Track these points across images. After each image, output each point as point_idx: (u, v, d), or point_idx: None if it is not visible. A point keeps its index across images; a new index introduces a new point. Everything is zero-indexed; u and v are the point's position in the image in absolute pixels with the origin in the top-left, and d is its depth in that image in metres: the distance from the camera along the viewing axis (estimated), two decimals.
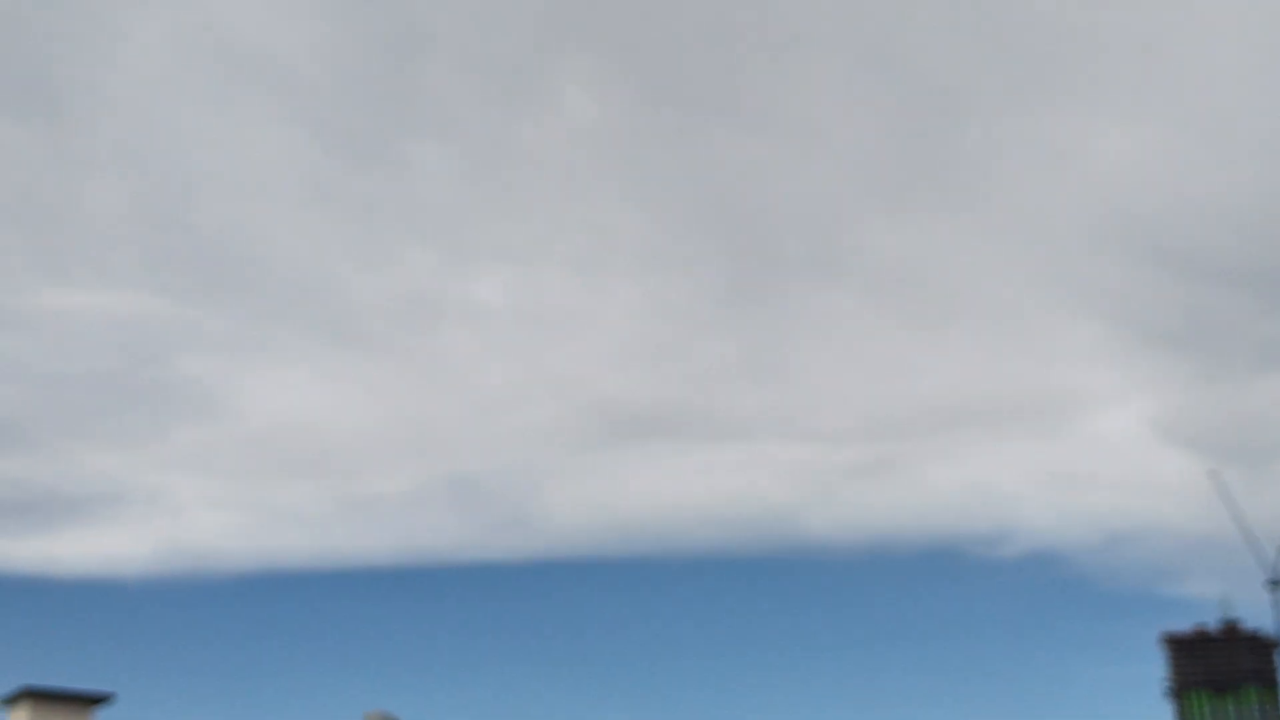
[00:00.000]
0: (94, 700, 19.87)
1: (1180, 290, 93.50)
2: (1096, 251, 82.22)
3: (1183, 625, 67.08)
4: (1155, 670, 61.36)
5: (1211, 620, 68.93)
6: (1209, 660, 72.85)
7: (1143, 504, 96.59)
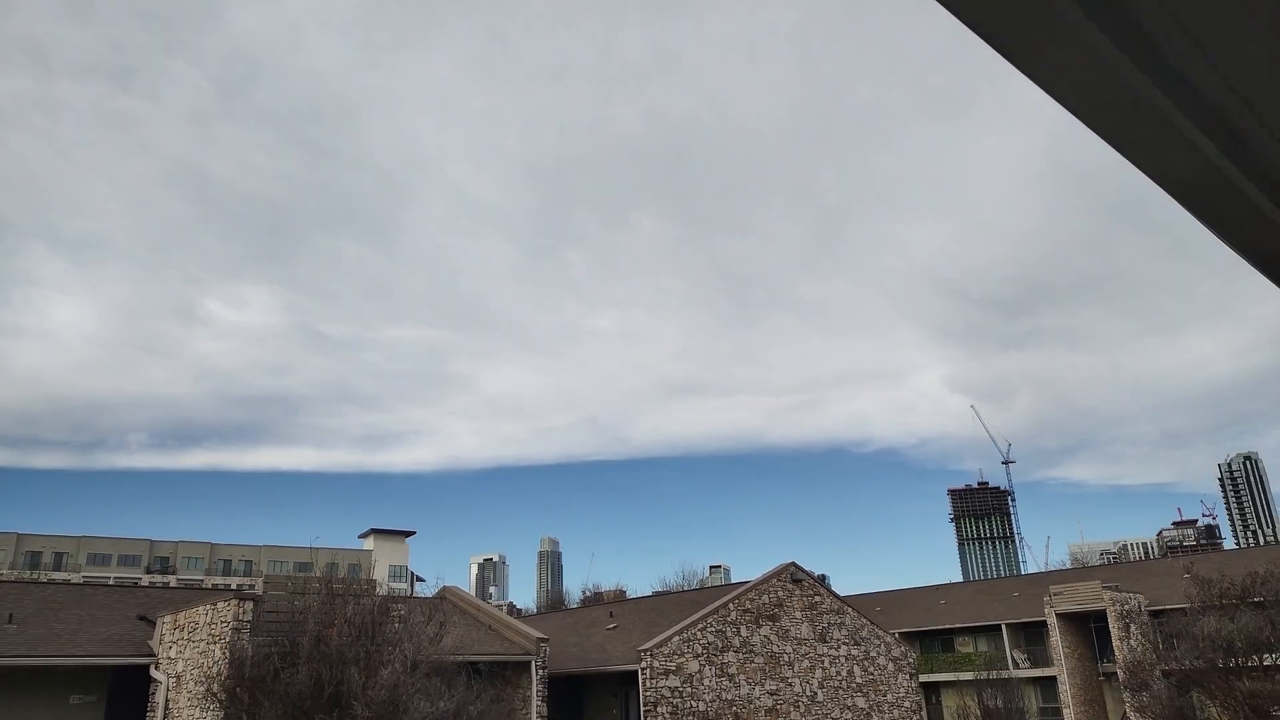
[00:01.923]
0: (404, 534, 49.30)
1: (961, 309, 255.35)
2: (920, 291, 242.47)
3: (958, 484, 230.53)
4: (943, 509, 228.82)
5: (974, 482, 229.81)
6: (972, 502, 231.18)
7: (940, 422, 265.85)
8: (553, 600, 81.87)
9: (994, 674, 28.55)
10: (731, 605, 19.65)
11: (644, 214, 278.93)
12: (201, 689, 13.00)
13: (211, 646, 13.44)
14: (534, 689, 17.45)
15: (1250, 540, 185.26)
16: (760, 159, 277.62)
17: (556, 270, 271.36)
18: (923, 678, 29.64)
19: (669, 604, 23.47)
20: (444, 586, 21.34)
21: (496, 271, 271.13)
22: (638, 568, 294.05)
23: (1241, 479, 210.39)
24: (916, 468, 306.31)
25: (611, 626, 22.11)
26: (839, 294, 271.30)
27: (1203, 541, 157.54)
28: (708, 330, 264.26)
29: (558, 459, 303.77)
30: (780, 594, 20.66)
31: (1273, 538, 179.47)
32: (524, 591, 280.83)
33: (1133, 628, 26.81)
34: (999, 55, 1.03)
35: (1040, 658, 31.13)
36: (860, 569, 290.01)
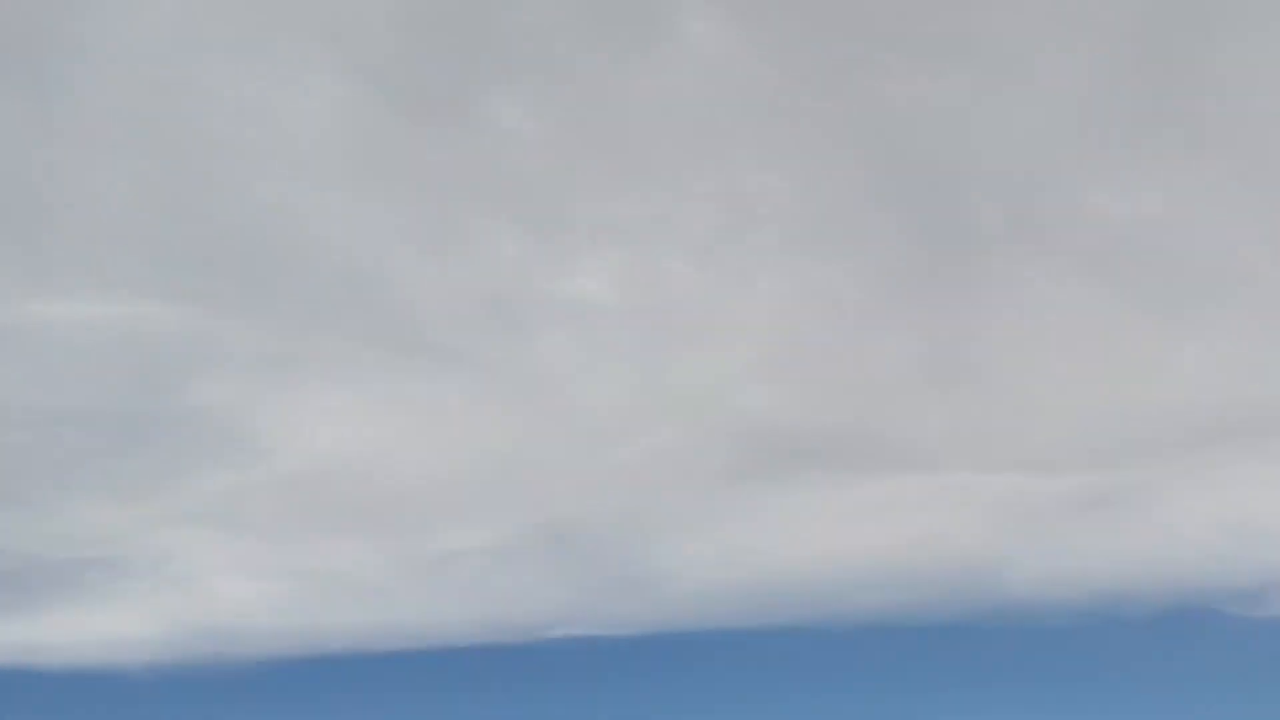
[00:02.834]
0: None
1: None
2: None
3: None
4: None
5: None
6: None
7: None
8: None
9: None
10: None
11: (687, 5, 28.65)
12: None
13: None
14: None
15: None
16: None
17: (472, 155, 20.91)
18: None
19: None
20: None
21: (320, 159, 29.42)
22: None
23: None
24: None
25: None
26: (1192, 215, 20.43)
27: None
28: (852, 307, 29.54)
29: (474, 633, 24.78)
30: None
31: None
32: None
33: None
34: None
35: None
36: None
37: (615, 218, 20.66)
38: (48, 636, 20.78)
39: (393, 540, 22.80)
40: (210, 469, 21.81)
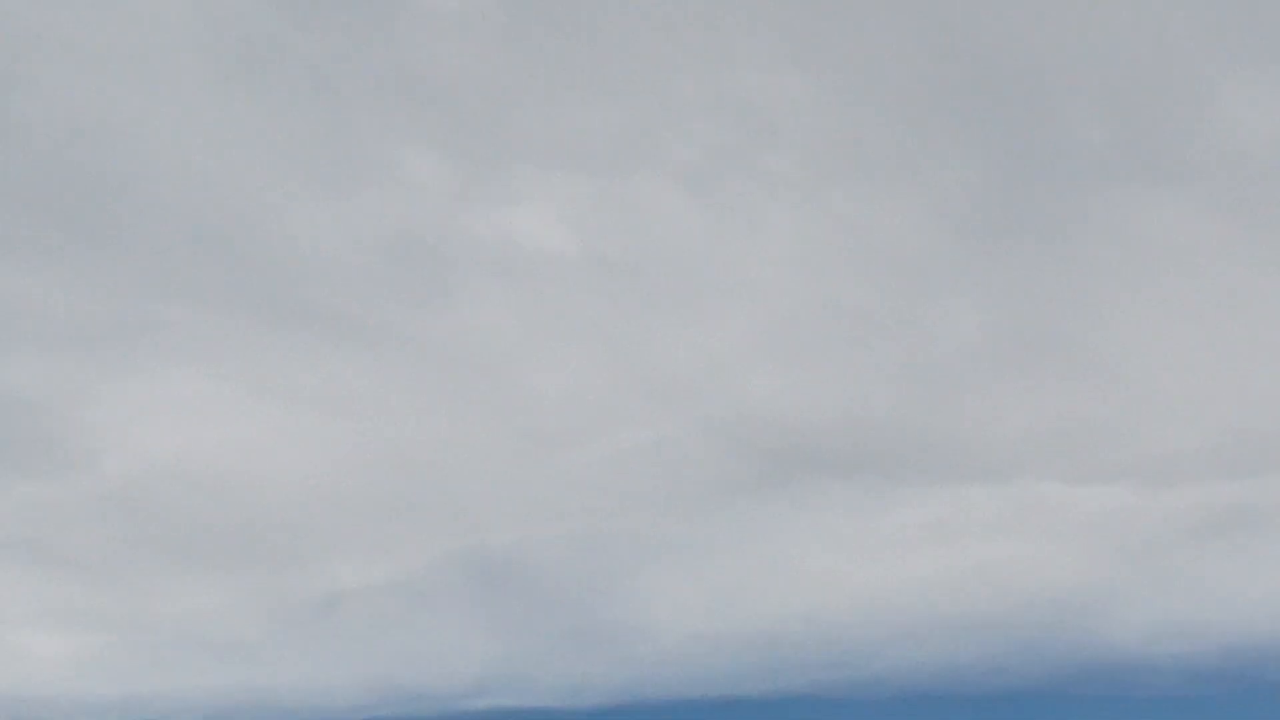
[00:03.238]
0: None
1: None
2: None
3: None
4: None
5: None
6: None
7: None
8: None
9: None
10: None
11: None
12: None
13: None
14: None
15: None
16: None
17: (375, 54, 17.12)
18: None
19: None
20: None
21: (170, 58, 17.70)
22: None
23: None
24: None
25: None
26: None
27: None
28: (902, 264, 25.11)
29: (373, 708, 20.80)
30: None
31: None
32: None
33: None
34: None
35: None
36: None
37: (573, 136, 14.77)
38: None
39: (262, 578, 16.75)
40: (14, 481, 15.72)
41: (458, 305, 14.76)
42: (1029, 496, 15.15)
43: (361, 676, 16.07)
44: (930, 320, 14.63)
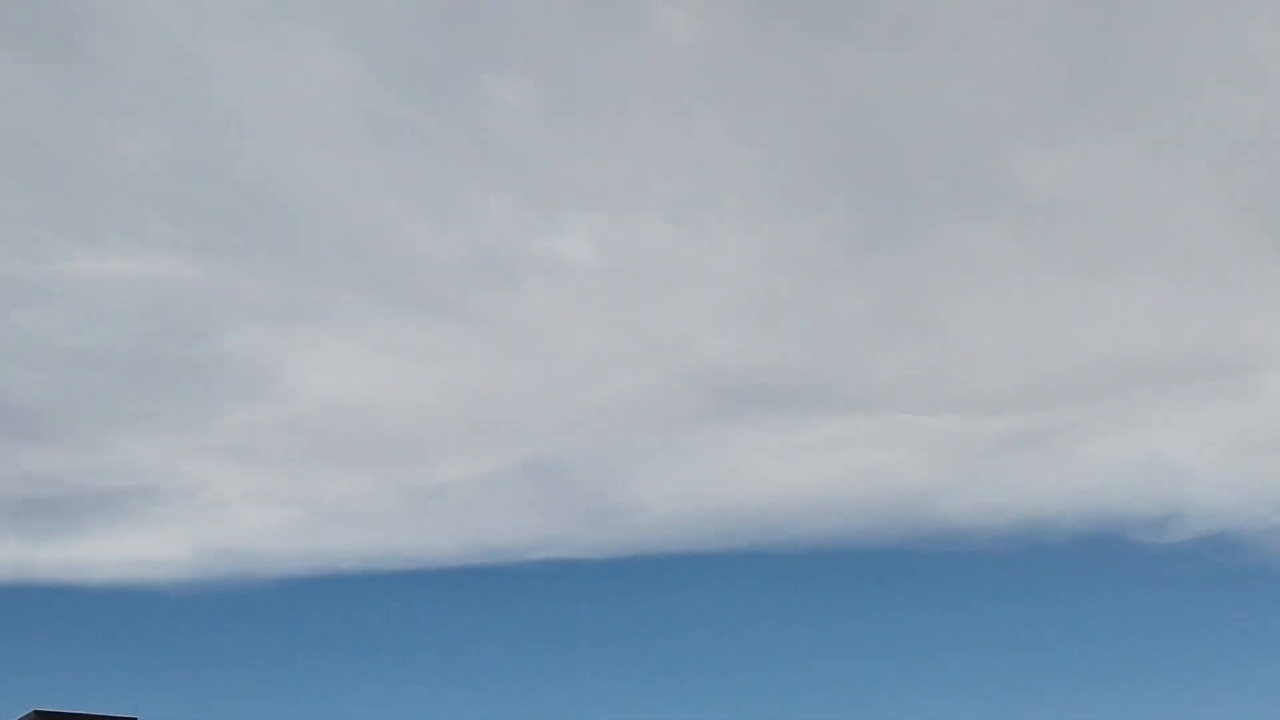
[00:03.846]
0: None
1: None
2: None
3: None
4: None
5: None
6: None
7: None
8: None
9: None
10: None
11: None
12: None
13: None
14: None
15: None
16: None
17: (465, 126, 31.03)
18: None
19: None
20: None
21: (328, 127, 35.78)
22: None
23: None
24: None
25: None
26: (1114, 181, 28.36)
27: None
28: (808, 265, 31.63)
29: (465, 556, 31.43)
30: None
31: None
32: None
33: None
34: None
35: None
36: None
37: (595, 183, 23.53)
38: (89, 557, 23.84)
39: (393, 472, 25.58)
40: (233, 408, 24.72)
41: (519, 295, 23.62)
42: (892, 422, 23.77)
43: (459, 539, 24.80)
44: (829, 304, 23.35)
